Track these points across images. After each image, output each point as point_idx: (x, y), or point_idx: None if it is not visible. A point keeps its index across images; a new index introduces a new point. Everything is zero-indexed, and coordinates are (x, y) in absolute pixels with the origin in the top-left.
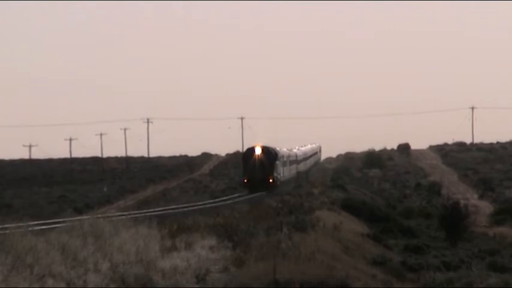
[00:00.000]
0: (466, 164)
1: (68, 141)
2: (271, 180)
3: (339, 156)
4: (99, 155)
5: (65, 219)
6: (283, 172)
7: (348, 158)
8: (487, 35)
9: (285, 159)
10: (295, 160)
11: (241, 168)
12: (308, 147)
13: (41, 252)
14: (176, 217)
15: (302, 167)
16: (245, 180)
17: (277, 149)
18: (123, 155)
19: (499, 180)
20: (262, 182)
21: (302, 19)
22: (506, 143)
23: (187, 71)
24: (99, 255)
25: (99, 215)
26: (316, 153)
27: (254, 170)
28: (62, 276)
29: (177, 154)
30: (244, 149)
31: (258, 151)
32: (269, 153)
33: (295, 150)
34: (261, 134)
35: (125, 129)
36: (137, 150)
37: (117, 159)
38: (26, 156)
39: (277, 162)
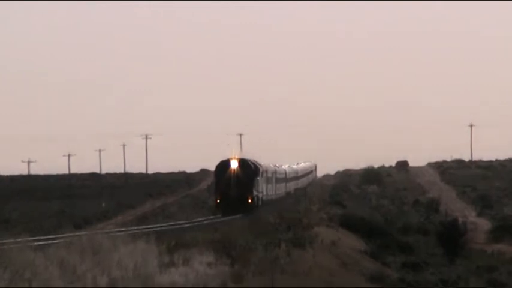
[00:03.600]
0: (465, 181)
1: (67, 157)
2: (249, 200)
3: (337, 173)
4: (98, 171)
5: (63, 234)
6: (266, 190)
7: (346, 175)
8: (485, 53)
9: (269, 175)
10: (283, 178)
11: (213, 185)
12: (301, 165)
13: (39, 267)
14: (174, 233)
15: (292, 186)
16: (218, 201)
17: (260, 162)
18: (122, 170)
19: (497, 198)
20: (239, 201)
21: (295, 34)
22: (505, 160)
23: (187, 88)
24: (97, 270)
25: (98, 231)
26: (311, 171)
27: (229, 187)
28: None
29: (176, 170)
30: (219, 162)
31: (234, 165)
32: (248, 167)
33: (284, 167)
34: (258, 151)
35: (123, 145)
36: (136, 166)
37: (115, 175)
38: (25, 172)
39: (258, 178)
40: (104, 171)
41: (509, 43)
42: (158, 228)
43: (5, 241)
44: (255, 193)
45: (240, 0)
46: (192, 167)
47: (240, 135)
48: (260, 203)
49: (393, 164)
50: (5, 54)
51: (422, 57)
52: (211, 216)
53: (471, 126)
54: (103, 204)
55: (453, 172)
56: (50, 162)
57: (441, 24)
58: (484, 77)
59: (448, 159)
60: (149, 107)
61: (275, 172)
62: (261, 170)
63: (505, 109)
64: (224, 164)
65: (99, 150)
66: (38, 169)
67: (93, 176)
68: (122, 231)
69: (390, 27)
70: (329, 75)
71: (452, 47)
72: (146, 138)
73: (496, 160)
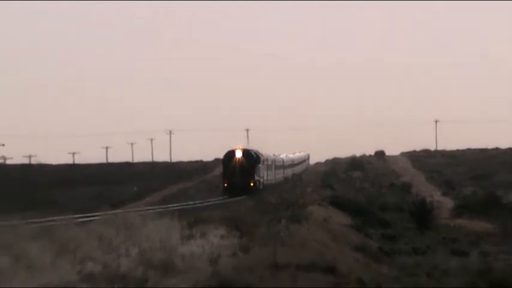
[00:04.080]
0: (432, 167)
1: (105, 149)
2: (252, 184)
3: (326, 161)
4: (130, 161)
5: (101, 213)
6: (267, 176)
7: (335, 163)
8: (451, 59)
9: (269, 163)
10: (281, 165)
11: (222, 172)
12: (296, 155)
13: (82, 240)
14: (193, 211)
15: (289, 172)
16: (225, 185)
17: (261, 152)
18: (150, 160)
19: (459, 181)
20: (243, 186)
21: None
22: (465, 150)
23: (203, 90)
24: (129, 242)
25: (130, 209)
26: (304, 160)
27: (234, 174)
28: (99, 260)
29: (194, 159)
30: (226, 152)
31: (239, 154)
32: (251, 156)
33: (282, 156)
34: (261, 142)
35: (151, 139)
36: (161, 156)
37: (144, 164)
38: (70, 162)
39: (259, 165)
40: (135, 161)
41: (469, 46)
42: (180, 207)
43: (53, 219)
44: (256, 178)
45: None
46: (207, 157)
47: (247, 130)
48: (261, 186)
49: (372, 154)
50: (43, 57)
51: (400, 59)
52: (221, 197)
53: (436, 121)
54: (135, 188)
55: (422, 160)
56: (91, 154)
57: (413, 24)
58: (448, 80)
59: (418, 149)
60: (172, 106)
61: (274, 160)
62: (261, 158)
63: (464, 108)
64: (230, 154)
65: (132, 144)
66: (81, 159)
67: (126, 165)
68: (150, 210)
69: (363, 26)
70: (320, 81)
71: (420, 50)
72: (170, 133)
73: (457, 150)
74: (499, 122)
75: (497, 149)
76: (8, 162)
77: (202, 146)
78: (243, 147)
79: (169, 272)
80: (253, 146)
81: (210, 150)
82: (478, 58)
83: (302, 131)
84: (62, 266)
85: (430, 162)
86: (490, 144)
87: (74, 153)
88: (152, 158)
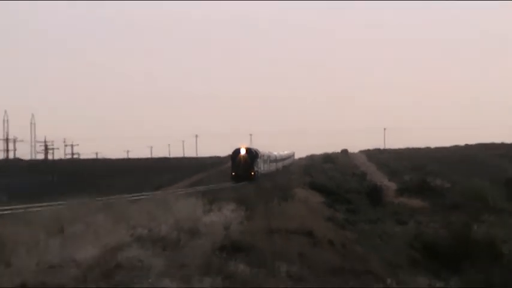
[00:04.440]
0: (382, 161)
1: (150, 148)
2: (252, 174)
3: (307, 156)
4: (168, 156)
5: (147, 193)
6: (263, 167)
7: (313, 158)
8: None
9: (265, 158)
10: (274, 160)
11: (230, 164)
12: (285, 152)
13: (133, 212)
14: (212, 192)
15: (280, 165)
16: (233, 174)
17: (259, 150)
18: (182, 155)
19: (401, 171)
20: (246, 175)
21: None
22: (405, 148)
23: (219, 101)
24: (167, 214)
25: (167, 191)
26: (291, 156)
27: (239, 166)
28: (145, 226)
29: (213, 155)
30: (233, 150)
31: (243, 151)
32: (251, 153)
33: (274, 153)
34: (261, 143)
35: (183, 141)
36: (190, 153)
37: (177, 159)
38: (125, 157)
39: (258, 160)
40: (171, 156)
41: (419, 57)
42: (202, 190)
43: (113, 197)
44: (255, 169)
45: None
46: (223, 153)
47: (251, 134)
48: (259, 175)
49: (339, 151)
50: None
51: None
52: (230, 183)
53: (385, 129)
54: (170, 176)
55: (374, 156)
56: (139, 151)
57: (374, 32)
58: (396, 89)
59: (371, 148)
60: (197, 116)
61: (269, 156)
62: (259, 154)
63: (407, 117)
64: (237, 151)
65: (168, 145)
66: (132, 155)
67: (164, 159)
68: (181, 191)
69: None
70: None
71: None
72: (196, 137)
73: (400, 148)
74: (430, 129)
75: (427, 148)
76: (81, 157)
77: (218, 146)
78: (246, 146)
79: (195, 235)
80: (254, 146)
81: (224, 149)
82: (415, 81)
83: (289, 135)
84: (119, 231)
85: (380, 158)
86: (422, 145)
87: (127, 151)
88: (183, 154)
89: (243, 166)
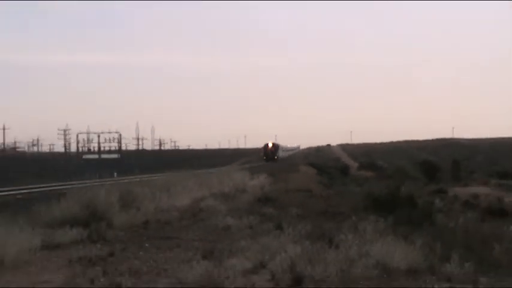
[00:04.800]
0: (349, 151)
1: (218, 143)
2: (275, 158)
3: (306, 148)
4: (227, 147)
5: (216, 169)
6: (281, 154)
7: (309, 149)
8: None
9: (283, 148)
10: (287, 149)
11: (262, 151)
12: (294, 145)
13: (209, 179)
14: (253, 168)
15: (291, 152)
16: (264, 158)
17: (279, 143)
18: (237, 147)
19: (360, 156)
20: (271, 158)
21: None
22: (362, 143)
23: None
24: (228, 180)
25: (229, 168)
26: (298, 147)
27: (268, 153)
28: (217, 188)
29: (255, 147)
30: (264, 143)
31: (270, 144)
32: (274, 145)
33: (288, 145)
34: (280, 139)
35: (237, 139)
36: (242, 145)
37: (233, 149)
38: (202, 148)
39: (278, 149)
40: (231, 147)
41: (381, 73)
42: (248, 167)
43: (196, 171)
44: (277, 155)
45: None
46: (259, 146)
47: (276, 137)
48: (279, 159)
49: (325, 145)
50: None
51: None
52: (263, 162)
53: (351, 132)
54: (230, 159)
55: (346, 148)
56: (212, 142)
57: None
58: (363, 97)
59: (343, 143)
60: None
61: (285, 147)
62: (279, 146)
63: (371, 121)
64: (267, 144)
65: (228, 140)
66: (209, 147)
67: (226, 149)
68: (236, 167)
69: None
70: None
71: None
72: (245, 137)
73: (360, 143)
74: (381, 132)
75: (381, 143)
76: (179, 148)
77: (259, 141)
78: (272, 141)
79: (244, 192)
80: (277, 141)
81: (262, 143)
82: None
83: (297, 133)
84: (201, 190)
85: (349, 148)
86: (376, 140)
87: (206, 144)
88: (237, 146)
89: (270, 153)
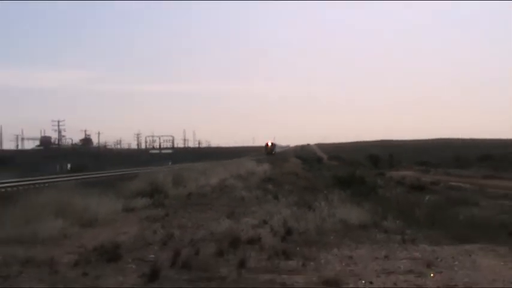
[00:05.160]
0: (322, 148)
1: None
2: (273, 152)
3: (294, 146)
4: (238, 145)
5: (234, 160)
6: (277, 150)
7: (297, 147)
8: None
9: (278, 146)
10: (281, 147)
11: (264, 148)
12: (285, 144)
13: (231, 165)
14: (259, 160)
15: (284, 149)
16: (266, 153)
17: (276, 143)
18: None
19: (329, 152)
20: (270, 153)
21: None
22: (330, 143)
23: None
24: (243, 167)
25: (242, 159)
26: (288, 146)
27: (268, 149)
28: (234, 172)
29: (261, 145)
30: (265, 142)
31: (269, 143)
32: (273, 144)
33: (282, 144)
34: (276, 139)
35: (253, 138)
36: (252, 144)
37: (248, 146)
38: (232, 145)
39: (275, 147)
40: (246, 145)
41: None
42: (255, 158)
43: (222, 161)
44: (274, 151)
45: None
46: (263, 144)
47: (274, 138)
48: (275, 153)
49: (306, 144)
50: None
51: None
52: (265, 156)
53: (324, 136)
54: (245, 153)
55: (321, 146)
56: (239, 141)
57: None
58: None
59: (319, 142)
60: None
61: (280, 146)
62: (276, 144)
63: (334, 129)
64: (267, 143)
65: (243, 140)
66: (236, 145)
67: (242, 147)
68: (249, 159)
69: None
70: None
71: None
72: (253, 139)
73: (329, 143)
74: (345, 134)
75: (345, 143)
76: (211, 145)
77: (263, 141)
78: (271, 141)
79: (253, 174)
80: (274, 140)
81: (265, 142)
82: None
83: (286, 137)
84: (225, 173)
85: (322, 146)
86: (341, 140)
87: (228, 143)
88: (249, 144)
89: (269, 149)
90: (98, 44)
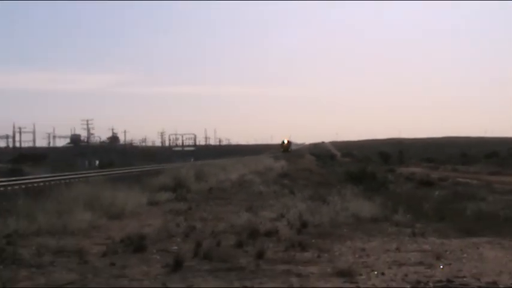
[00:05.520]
0: (336, 146)
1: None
2: (289, 150)
3: (309, 144)
4: (253, 143)
5: (253, 156)
6: (293, 147)
7: (311, 144)
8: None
9: (294, 144)
10: (296, 145)
11: (281, 145)
12: (301, 142)
13: (249, 162)
14: (276, 156)
15: (299, 147)
16: (282, 150)
17: (291, 140)
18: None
19: (343, 149)
20: (287, 150)
21: None
22: (343, 141)
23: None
24: (261, 163)
25: (262, 155)
26: (303, 143)
27: (284, 146)
28: (253, 167)
29: (276, 143)
30: (281, 140)
31: (286, 141)
32: (289, 141)
33: (298, 142)
34: (289, 136)
35: (271, 136)
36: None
37: (266, 144)
38: (251, 143)
39: (291, 145)
40: (264, 143)
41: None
42: (273, 155)
43: (241, 157)
44: (290, 148)
45: None
46: (279, 142)
47: (290, 136)
48: (291, 151)
49: (321, 142)
50: None
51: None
52: (281, 153)
53: (336, 133)
54: (264, 150)
55: (334, 144)
56: (259, 138)
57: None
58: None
59: (332, 140)
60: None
61: (295, 143)
62: (292, 142)
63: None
64: (283, 140)
65: (262, 138)
66: (255, 142)
67: (262, 144)
68: (267, 155)
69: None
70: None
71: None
72: (271, 136)
73: (343, 141)
74: (356, 132)
75: (357, 141)
76: (231, 143)
77: (280, 139)
78: (287, 139)
79: (271, 170)
80: (290, 138)
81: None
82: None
83: (303, 136)
84: (245, 169)
85: (336, 144)
86: (353, 139)
87: (247, 141)
88: (267, 142)
89: (285, 147)
90: (126, 50)
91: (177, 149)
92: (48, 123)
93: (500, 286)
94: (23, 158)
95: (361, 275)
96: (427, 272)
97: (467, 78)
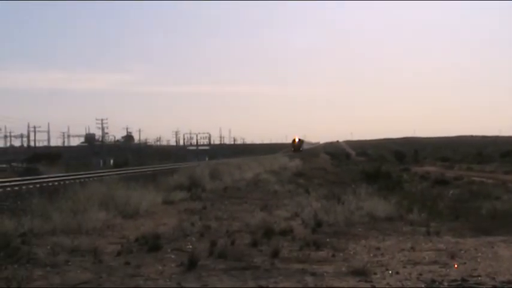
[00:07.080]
0: (351, 145)
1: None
2: (301, 149)
3: (324, 143)
4: (277, 142)
5: (266, 156)
6: (306, 146)
7: (326, 143)
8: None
9: (307, 143)
10: (310, 144)
11: (291, 145)
12: (315, 141)
13: (265, 161)
14: (290, 155)
15: (313, 146)
16: (292, 150)
17: (303, 139)
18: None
19: (357, 148)
20: (298, 149)
21: None
22: (354, 140)
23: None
24: (276, 162)
25: (277, 154)
26: (318, 142)
27: (295, 145)
28: (268, 166)
29: (289, 142)
30: (292, 139)
31: (297, 139)
32: (300, 140)
33: (312, 141)
34: (304, 135)
35: (286, 136)
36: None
37: (280, 143)
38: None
39: (303, 143)
40: (278, 142)
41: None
42: (287, 154)
43: (256, 156)
44: (302, 147)
45: None
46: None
47: (305, 135)
48: (303, 150)
49: (335, 141)
50: None
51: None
52: (292, 153)
53: (351, 133)
54: (280, 149)
55: (349, 143)
56: (275, 138)
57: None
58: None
59: (346, 139)
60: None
61: (309, 142)
62: (304, 141)
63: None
64: (294, 138)
65: (276, 138)
66: (270, 142)
67: (277, 144)
68: (281, 154)
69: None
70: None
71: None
72: (286, 136)
73: (358, 140)
74: (371, 132)
75: (371, 140)
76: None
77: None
78: (298, 137)
79: (286, 169)
80: (302, 137)
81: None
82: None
83: (318, 135)
84: (259, 168)
85: (351, 144)
86: (367, 138)
87: (262, 140)
88: (282, 141)
89: (297, 145)
90: (141, 49)
91: (191, 148)
92: (63, 123)
93: None
94: (38, 158)
95: (375, 274)
96: (441, 271)
97: (483, 78)
